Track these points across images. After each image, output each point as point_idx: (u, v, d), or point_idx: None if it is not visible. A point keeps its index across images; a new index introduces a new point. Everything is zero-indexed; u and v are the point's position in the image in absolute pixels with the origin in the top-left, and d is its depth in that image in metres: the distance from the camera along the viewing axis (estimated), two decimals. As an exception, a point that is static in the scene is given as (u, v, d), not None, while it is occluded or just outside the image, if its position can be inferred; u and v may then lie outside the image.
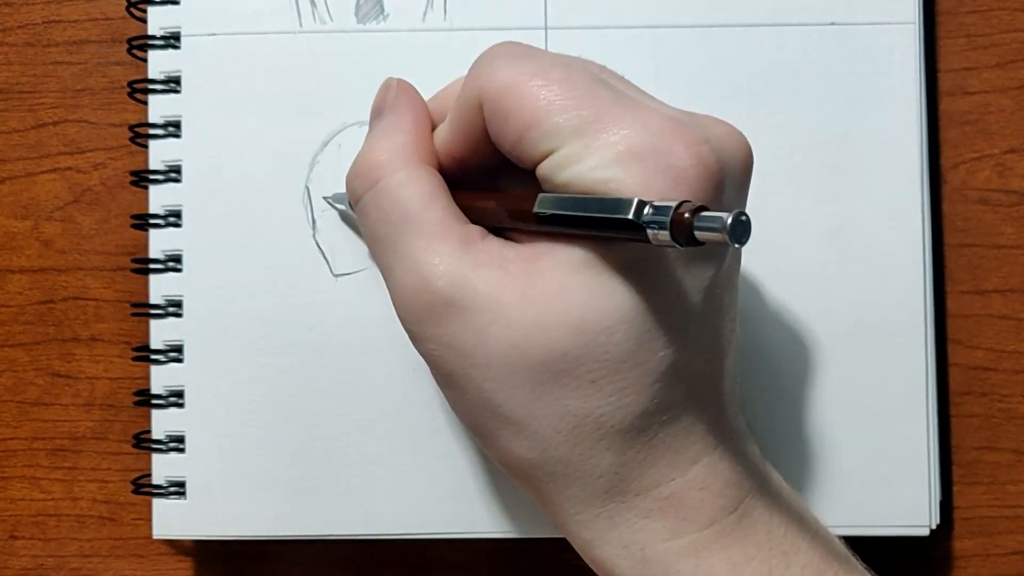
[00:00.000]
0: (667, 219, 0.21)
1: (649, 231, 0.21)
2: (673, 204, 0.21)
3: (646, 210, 0.21)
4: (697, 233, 0.20)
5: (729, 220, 0.20)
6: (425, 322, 0.25)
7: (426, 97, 0.29)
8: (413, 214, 0.25)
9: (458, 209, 0.26)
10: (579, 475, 0.25)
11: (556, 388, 0.24)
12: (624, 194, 0.22)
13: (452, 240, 0.25)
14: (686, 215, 0.20)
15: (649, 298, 0.23)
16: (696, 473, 0.25)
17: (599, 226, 0.22)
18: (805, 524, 0.27)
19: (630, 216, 0.21)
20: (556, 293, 0.23)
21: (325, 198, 0.32)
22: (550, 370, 0.23)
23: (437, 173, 0.26)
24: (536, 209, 0.24)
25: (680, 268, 0.23)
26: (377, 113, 0.28)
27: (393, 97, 0.28)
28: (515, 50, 0.25)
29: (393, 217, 0.25)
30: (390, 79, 0.29)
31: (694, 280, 0.24)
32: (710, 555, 0.25)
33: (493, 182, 0.28)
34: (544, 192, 0.24)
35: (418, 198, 0.25)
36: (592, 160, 0.23)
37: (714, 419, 0.26)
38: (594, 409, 0.24)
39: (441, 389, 0.27)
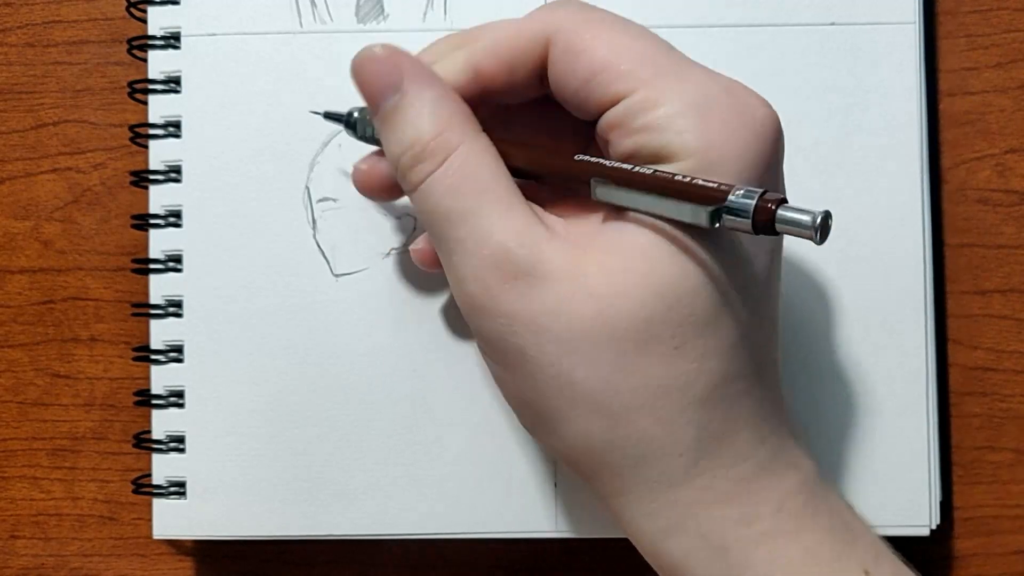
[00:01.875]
0: (749, 209, 0.21)
1: (726, 219, 0.21)
2: (753, 200, 0.21)
3: (729, 198, 0.21)
4: (779, 226, 0.20)
5: (819, 219, 0.20)
6: (501, 295, 0.24)
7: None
8: (487, 186, 0.24)
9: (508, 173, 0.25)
10: (659, 454, 0.24)
11: (640, 358, 0.23)
12: (700, 148, 0.22)
13: (527, 211, 0.24)
14: (770, 206, 0.20)
15: (727, 262, 0.23)
16: (764, 454, 0.25)
17: (668, 221, 0.22)
18: (852, 508, 0.26)
19: (704, 224, 0.21)
20: (637, 260, 0.23)
21: (319, 113, 0.30)
22: (635, 339, 0.23)
23: (490, 139, 0.25)
24: (595, 196, 0.23)
25: (747, 236, 0.23)
26: (389, 89, 0.25)
27: (406, 69, 0.25)
28: (589, 3, 0.25)
29: (465, 190, 0.24)
30: (372, 48, 0.26)
31: (760, 245, 0.24)
32: (785, 542, 0.24)
33: (489, 126, 0.26)
34: (600, 145, 0.24)
35: (489, 169, 0.24)
36: (670, 106, 0.23)
37: (775, 396, 0.25)
38: (679, 376, 0.23)
39: (502, 372, 0.26)
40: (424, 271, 0.32)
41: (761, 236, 0.23)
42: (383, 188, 0.28)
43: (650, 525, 0.25)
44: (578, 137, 0.27)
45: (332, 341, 0.32)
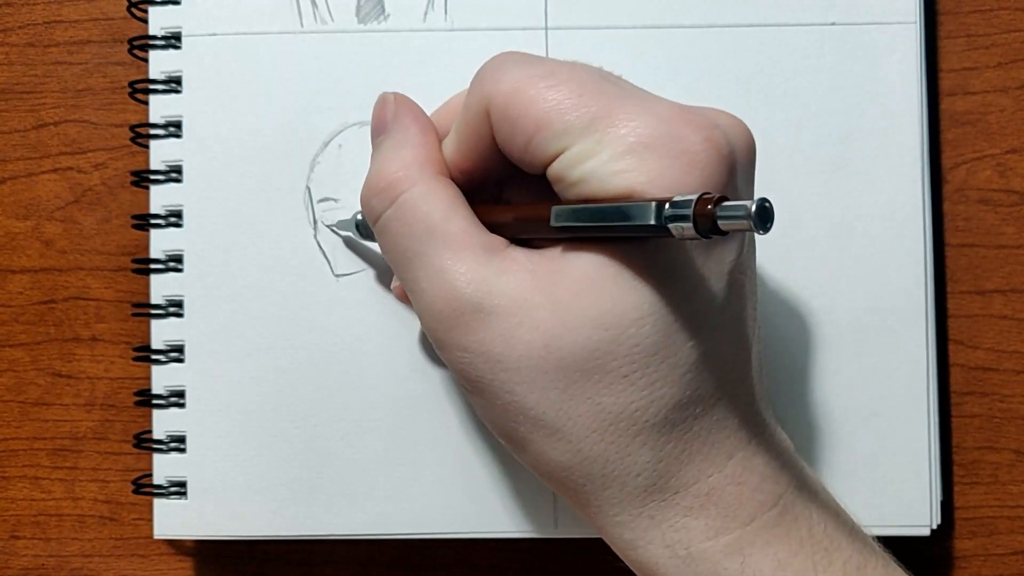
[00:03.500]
0: (689, 212, 0.21)
1: (672, 226, 0.21)
2: (693, 197, 0.21)
3: (666, 208, 0.21)
4: (721, 223, 0.20)
5: (754, 207, 0.20)
6: (453, 329, 0.25)
7: (425, 103, 0.29)
8: (436, 226, 0.25)
9: (477, 219, 0.26)
10: (617, 475, 0.24)
11: (588, 386, 0.24)
12: (639, 185, 0.22)
13: (476, 248, 0.25)
14: (709, 207, 0.20)
15: (674, 289, 0.23)
16: (733, 468, 0.25)
17: (620, 231, 0.22)
18: (841, 519, 0.27)
19: (652, 222, 0.21)
20: (581, 292, 0.23)
21: (329, 226, 0.32)
22: (581, 368, 0.23)
23: (453, 184, 0.26)
24: (553, 222, 0.24)
25: (700, 257, 0.24)
26: (380, 129, 0.28)
27: (394, 112, 0.28)
28: (518, 57, 0.25)
29: (416, 231, 0.25)
30: (386, 94, 0.28)
31: (715, 268, 0.24)
32: (755, 552, 0.25)
33: (500, 192, 0.28)
34: (556, 193, 0.25)
35: (440, 210, 0.25)
36: (604, 154, 0.23)
37: (745, 411, 0.26)
38: (628, 404, 0.24)
39: (470, 398, 0.27)
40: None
41: (712, 258, 0.23)
42: None
43: (619, 537, 0.26)
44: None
45: (332, 341, 0.32)
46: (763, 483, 0.25)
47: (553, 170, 0.24)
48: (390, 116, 0.28)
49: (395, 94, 0.28)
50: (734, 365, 0.25)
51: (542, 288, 0.24)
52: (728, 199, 0.21)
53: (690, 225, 0.21)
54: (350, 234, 0.32)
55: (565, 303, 0.23)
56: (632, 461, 0.24)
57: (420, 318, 0.26)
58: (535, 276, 0.24)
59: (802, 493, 0.26)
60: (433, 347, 0.26)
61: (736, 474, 0.25)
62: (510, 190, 0.28)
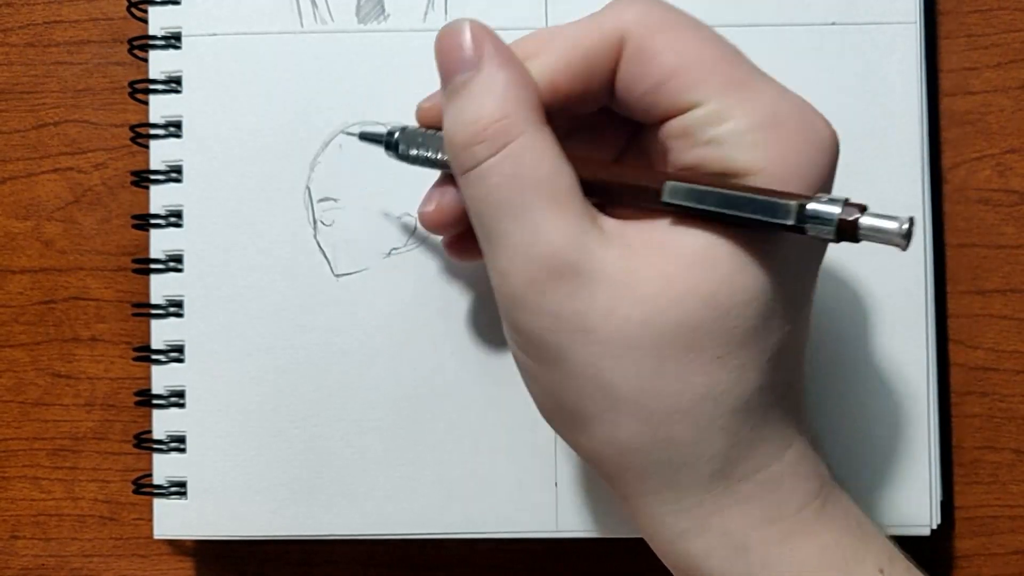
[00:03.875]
0: (834, 218, 0.21)
1: (809, 226, 0.21)
2: (838, 207, 0.21)
3: (808, 206, 0.21)
4: (862, 233, 0.21)
5: (906, 225, 0.20)
6: (545, 292, 0.23)
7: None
8: (543, 180, 0.23)
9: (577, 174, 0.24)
10: (688, 459, 0.24)
11: (681, 365, 0.23)
12: (771, 162, 0.22)
13: (580, 210, 0.23)
14: (855, 215, 0.21)
15: (780, 275, 0.23)
16: (790, 456, 0.25)
17: (748, 222, 0.22)
18: (861, 511, 0.27)
19: (791, 222, 0.21)
20: (692, 268, 0.23)
21: (356, 134, 0.30)
22: (678, 346, 0.23)
23: (554, 134, 0.24)
24: (666, 198, 0.23)
25: (800, 249, 0.23)
26: (459, 65, 0.24)
27: (476, 45, 0.24)
28: (665, 1, 0.24)
29: (522, 183, 0.23)
30: (459, 23, 0.24)
31: (810, 261, 0.24)
32: (802, 540, 0.24)
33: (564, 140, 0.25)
34: (658, 150, 0.24)
35: (548, 163, 0.23)
36: (743, 121, 0.23)
37: (800, 401, 0.26)
38: (715, 386, 0.23)
39: (535, 368, 0.25)
40: (425, 270, 0.32)
41: (813, 248, 0.23)
42: (454, 221, 0.27)
43: (672, 526, 0.25)
44: (615, 145, 0.27)
45: (332, 341, 0.32)
46: (812, 473, 0.25)
47: (679, 124, 0.23)
48: (471, 50, 0.24)
49: (470, 23, 0.24)
50: (799, 354, 0.25)
51: (648, 261, 0.23)
52: (868, 208, 0.21)
53: (831, 229, 0.21)
54: (341, 127, 0.30)
55: (673, 277, 0.23)
56: (708, 445, 0.24)
57: (501, 276, 0.24)
58: (636, 248, 0.23)
59: (836, 485, 0.26)
60: (505, 310, 0.24)
61: (793, 463, 0.25)
62: (569, 143, 0.25)
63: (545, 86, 0.24)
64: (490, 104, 0.24)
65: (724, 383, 0.23)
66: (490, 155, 0.23)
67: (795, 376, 0.25)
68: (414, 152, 0.27)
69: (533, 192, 0.23)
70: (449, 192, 0.27)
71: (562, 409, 0.25)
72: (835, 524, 0.25)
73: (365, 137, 0.29)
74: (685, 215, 0.23)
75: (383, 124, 0.32)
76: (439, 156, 0.27)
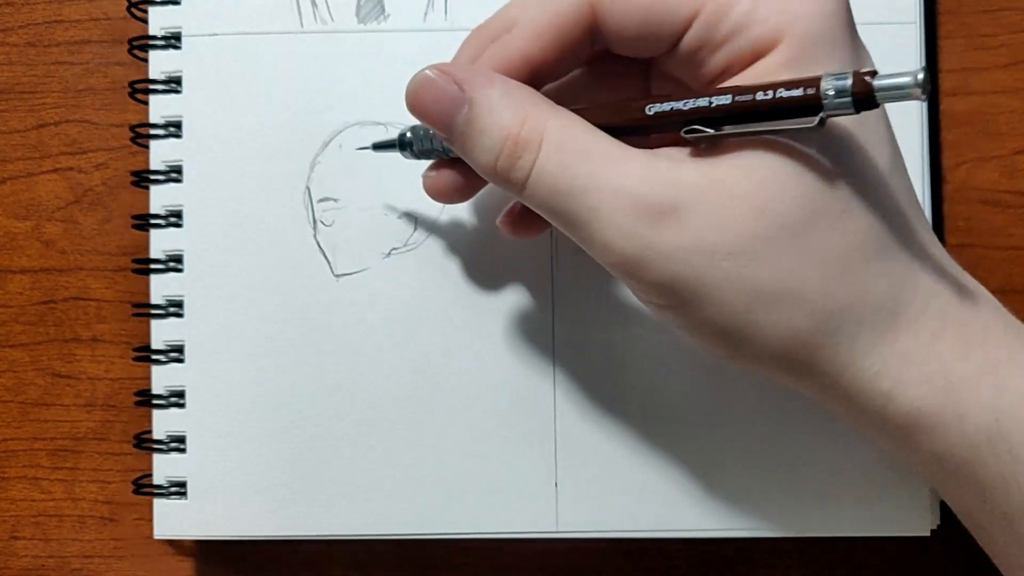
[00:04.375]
0: (848, 89, 0.21)
1: (825, 114, 0.22)
2: (848, 75, 0.21)
3: (823, 85, 0.22)
4: (879, 95, 0.21)
5: (919, 76, 0.20)
6: (656, 238, 0.23)
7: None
8: (592, 147, 0.24)
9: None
10: (864, 316, 0.24)
11: (814, 235, 0.23)
12: (788, 23, 0.23)
13: (635, 154, 0.24)
14: (866, 79, 0.21)
15: (862, 126, 0.24)
16: (948, 284, 0.25)
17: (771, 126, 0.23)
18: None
19: (813, 123, 0.22)
20: (759, 160, 0.23)
21: (368, 147, 0.31)
22: (801, 218, 0.23)
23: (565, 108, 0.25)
24: (688, 135, 0.23)
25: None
26: (457, 103, 0.25)
27: (458, 83, 0.25)
28: None
29: (575, 162, 0.24)
30: (423, 73, 0.25)
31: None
32: (1006, 366, 0.24)
33: None
34: (695, 63, 0.24)
35: (582, 133, 0.24)
36: (743, 3, 0.23)
37: (933, 236, 0.26)
38: (853, 238, 0.23)
39: (683, 314, 0.25)
40: (425, 270, 0.32)
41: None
42: (456, 190, 0.29)
43: (877, 391, 0.25)
44: (623, 92, 0.28)
45: (332, 341, 0.32)
46: (976, 298, 0.25)
47: (692, 37, 0.24)
48: (454, 89, 0.25)
49: (432, 70, 0.25)
50: (904, 180, 0.25)
51: (721, 167, 0.23)
52: (877, 73, 0.21)
53: (848, 101, 0.21)
54: (341, 128, 0.30)
55: (751, 168, 0.23)
56: (872, 296, 0.24)
57: (607, 249, 0.24)
58: (706, 164, 0.24)
59: (1008, 313, 0.26)
60: (628, 281, 0.25)
61: (954, 291, 0.25)
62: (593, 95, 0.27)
63: (517, 62, 0.25)
64: (507, 116, 0.24)
65: (858, 232, 0.23)
66: (532, 160, 0.24)
67: (917, 216, 0.25)
68: (427, 146, 0.28)
69: (590, 161, 0.24)
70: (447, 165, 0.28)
71: (727, 336, 0.25)
72: None
73: (379, 147, 0.30)
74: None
75: (383, 124, 0.32)
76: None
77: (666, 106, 0.24)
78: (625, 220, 0.23)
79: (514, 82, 0.25)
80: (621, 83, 0.28)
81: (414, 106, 0.25)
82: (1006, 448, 0.24)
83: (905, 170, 0.25)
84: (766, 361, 0.25)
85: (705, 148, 0.24)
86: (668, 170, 0.23)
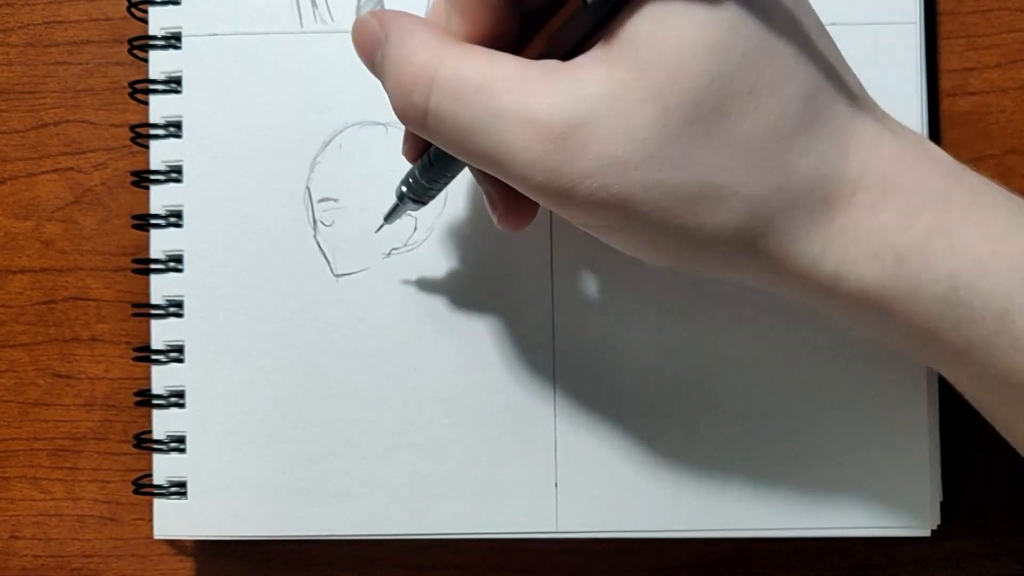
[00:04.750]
0: None
1: None
2: None
3: None
4: None
5: None
6: (567, 164, 0.22)
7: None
8: (487, 80, 0.23)
9: (518, 56, 0.24)
10: (794, 200, 0.23)
11: (725, 123, 0.22)
12: None
13: (537, 76, 0.23)
14: None
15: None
16: (888, 149, 0.24)
17: None
18: (1011, 189, 0.26)
19: None
20: (659, 42, 0.22)
21: (383, 224, 0.31)
22: (708, 109, 0.22)
23: (470, 42, 0.24)
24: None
25: None
26: (375, 46, 0.25)
27: (379, 23, 0.25)
28: None
29: (472, 97, 0.23)
30: (360, 16, 0.26)
31: None
32: (958, 226, 0.24)
33: None
34: None
35: (481, 64, 0.23)
36: None
37: (864, 99, 0.25)
38: (767, 118, 0.23)
39: (622, 232, 0.24)
40: (425, 270, 0.32)
41: None
42: (521, 215, 0.28)
43: (826, 274, 0.24)
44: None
45: (332, 341, 0.32)
46: (924, 159, 0.24)
47: None
48: (378, 30, 0.25)
49: (369, 12, 0.26)
50: (828, 51, 0.24)
51: (623, 65, 0.22)
52: None
53: None
54: (408, 211, 0.30)
55: (654, 59, 0.22)
56: (800, 176, 0.23)
57: (527, 182, 0.23)
58: (608, 61, 0.23)
59: (964, 167, 0.25)
60: (561, 208, 0.24)
61: (895, 154, 0.24)
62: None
63: None
64: (406, 53, 0.24)
65: (771, 110, 0.23)
66: (426, 98, 0.23)
67: (838, 75, 0.24)
68: (419, 186, 0.28)
69: (487, 96, 0.23)
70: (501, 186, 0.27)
71: (668, 246, 0.24)
72: (980, 200, 0.24)
73: (389, 216, 0.30)
74: (618, 10, 0.23)
75: (383, 124, 0.32)
76: (434, 164, 0.27)
77: None
78: (535, 149, 0.23)
79: (425, 20, 0.25)
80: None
81: (354, 45, 0.26)
82: (967, 314, 0.24)
83: (825, 32, 0.24)
84: (708, 261, 0.25)
85: (609, 39, 0.23)
86: (571, 86, 0.23)
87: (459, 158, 0.25)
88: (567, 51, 0.24)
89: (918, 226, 0.24)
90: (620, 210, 0.23)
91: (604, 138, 0.22)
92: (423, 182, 0.28)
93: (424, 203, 0.29)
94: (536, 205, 0.28)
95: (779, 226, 0.23)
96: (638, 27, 0.22)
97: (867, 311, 0.25)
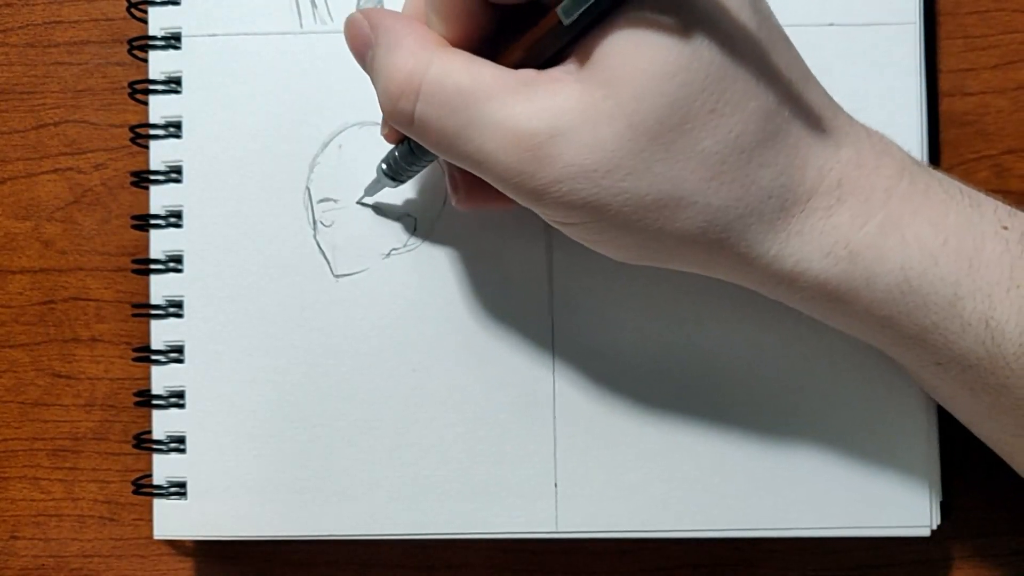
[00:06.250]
0: None
1: None
2: None
3: None
4: None
5: None
6: (540, 170, 0.24)
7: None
8: (469, 88, 0.24)
9: (499, 65, 0.25)
10: (751, 209, 0.25)
11: (687, 140, 0.24)
12: None
13: (517, 86, 0.24)
14: None
15: (710, 12, 0.24)
16: (847, 155, 0.26)
17: None
18: (964, 183, 0.27)
19: None
20: (629, 60, 0.23)
21: (360, 200, 0.33)
22: (671, 126, 0.24)
23: (459, 49, 0.26)
24: (565, 21, 0.23)
25: None
26: (365, 47, 0.27)
27: (370, 25, 0.26)
28: None
29: (454, 103, 0.25)
30: (352, 15, 0.27)
31: None
32: (907, 223, 0.25)
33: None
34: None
35: (464, 73, 0.25)
36: None
37: (827, 106, 0.26)
38: (727, 135, 0.24)
39: (585, 233, 0.26)
40: (425, 270, 0.32)
41: None
42: (478, 198, 0.30)
43: (781, 271, 0.26)
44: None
45: (332, 341, 0.32)
46: (881, 160, 0.26)
47: None
48: (368, 31, 0.26)
49: (360, 11, 0.27)
50: (793, 67, 0.26)
51: (594, 82, 0.24)
52: None
53: None
54: (378, 189, 0.32)
55: (622, 79, 0.23)
56: (758, 187, 0.25)
57: (505, 185, 0.25)
58: (581, 78, 0.24)
59: (921, 165, 0.27)
60: (537, 207, 0.26)
61: (852, 159, 0.26)
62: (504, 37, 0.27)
63: None
64: (396, 57, 0.25)
65: (733, 127, 0.24)
66: (413, 104, 0.25)
67: (801, 87, 0.26)
68: (400, 165, 0.29)
69: (469, 103, 0.24)
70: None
71: (634, 246, 0.26)
72: (934, 199, 0.26)
73: (370, 190, 0.32)
74: (592, 28, 0.24)
75: (377, 123, 0.32)
76: (414, 150, 0.29)
77: (568, 3, 0.23)
78: (512, 155, 0.24)
79: (414, 23, 0.26)
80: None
81: (347, 43, 0.27)
82: (919, 302, 0.26)
83: (788, 47, 0.26)
84: (673, 260, 0.27)
85: (583, 58, 0.24)
86: (546, 98, 0.24)
87: (442, 157, 0.26)
88: (542, 61, 0.25)
89: (871, 223, 0.25)
90: (588, 212, 0.25)
91: (575, 148, 0.24)
92: (404, 164, 0.29)
93: (402, 182, 0.31)
94: (494, 192, 0.29)
95: (737, 231, 0.25)
96: (610, 48, 0.24)
97: (826, 302, 0.27)
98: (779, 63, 0.25)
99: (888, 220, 0.25)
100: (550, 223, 0.27)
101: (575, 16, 0.23)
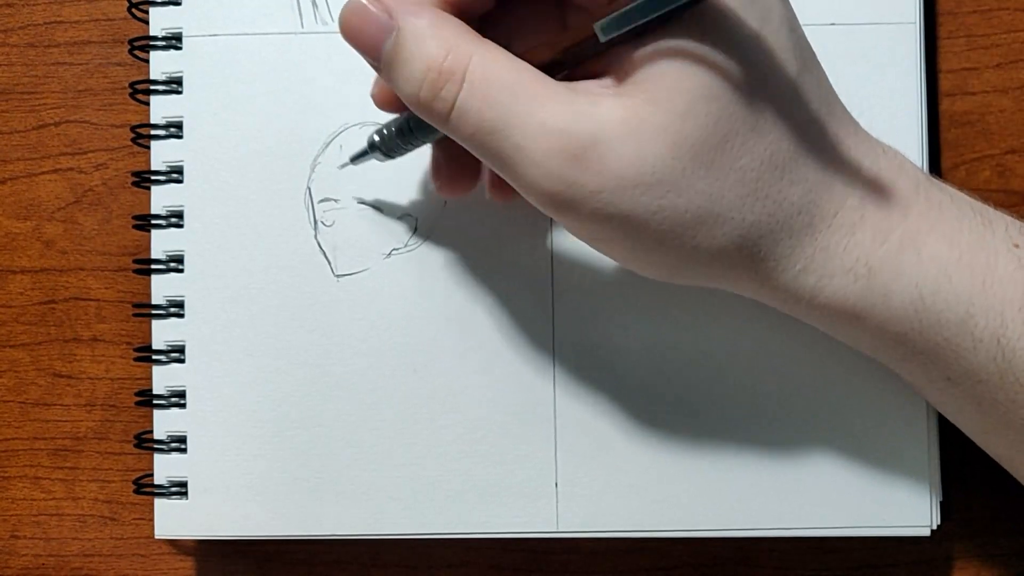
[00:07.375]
0: None
1: None
2: None
3: None
4: None
5: None
6: (579, 178, 0.24)
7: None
8: (515, 84, 0.24)
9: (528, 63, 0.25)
10: (783, 224, 0.25)
11: (726, 158, 0.24)
12: None
13: (560, 90, 0.24)
14: None
15: (744, 32, 0.24)
16: (868, 172, 0.26)
17: (663, 7, 0.23)
18: (977, 199, 0.28)
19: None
20: (672, 80, 0.24)
21: (347, 164, 0.32)
22: (713, 144, 0.24)
23: (493, 43, 0.25)
24: (602, 39, 0.23)
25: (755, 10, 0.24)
26: (385, 29, 0.25)
27: (387, 5, 0.25)
28: None
29: (499, 98, 0.24)
30: (353, 2, 0.25)
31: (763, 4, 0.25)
32: (923, 239, 0.26)
33: None
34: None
35: (510, 67, 0.24)
36: None
37: (851, 125, 0.26)
38: (763, 152, 0.24)
39: (621, 245, 0.26)
40: (425, 270, 0.32)
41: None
42: (450, 177, 0.30)
43: (803, 286, 0.26)
44: (540, 25, 0.28)
45: (333, 341, 0.32)
46: (899, 178, 0.26)
47: None
48: (383, 16, 0.25)
49: (367, 0, 0.25)
50: (820, 86, 0.26)
51: (640, 99, 0.24)
52: None
53: None
54: (373, 159, 0.30)
55: (669, 98, 0.23)
56: (789, 203, 0.25)
57: (534, 188, 0.24)
58: (623, 92, 0.24)
59: (933, 181, 0.27)
60: (562, 217, 0.25)
61: (874, 177, 0.26)
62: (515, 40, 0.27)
63: None
64: (432, 46, 0.24)
65: (768, 145, 0.24)
66: (456, 93, 0.24)
67: (828, 106, 0.26)
68: (395, 143, 0.29)
69: (514, 97, 0.24)
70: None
71: (664, 261, 0.26)
72: (948, 215, 0.26)
73: (355, 158, 0.31)
74: (634, 42, 0.24)
75: (378, 123, 0.32)
76: (413, 129, 0.28)
77: (608, 22, 0.23)
78: (549, 159, 0.24)
79: (444, 13, 0.25)
80: (538, 16, 0.28)
81: (346, 32, 0.25)
82: (933, 318, 0.26)
83: (817, 66, 0.26)
84: (700, 277, 0.27)
85: (621, 76, 0.24)
86: (589, 106, 0.24)
87: (471, 151, 0.25)
88: (570, 68, 0.25)
89: (890, 240, 0.26)
90: (622, 227, 0.24)
91: (618, 159, 0.24)
92: (398, 140, 0.28)
93: (392, 158, 0.30)
94: (474, 179, 0.30)
95: (766, 247, 0.25)
96: (656, 68, 0.24)
97: (842, 318, 0.27)
98: (812, 81, 0.25)
99: (906, 237, 0.26)
100: (577, 236, 0.26)
101: (612, 36, 0.23)
